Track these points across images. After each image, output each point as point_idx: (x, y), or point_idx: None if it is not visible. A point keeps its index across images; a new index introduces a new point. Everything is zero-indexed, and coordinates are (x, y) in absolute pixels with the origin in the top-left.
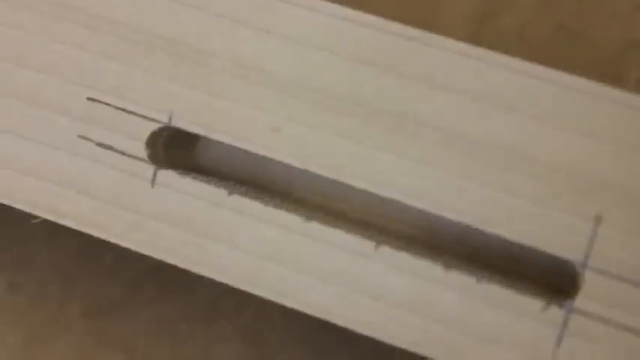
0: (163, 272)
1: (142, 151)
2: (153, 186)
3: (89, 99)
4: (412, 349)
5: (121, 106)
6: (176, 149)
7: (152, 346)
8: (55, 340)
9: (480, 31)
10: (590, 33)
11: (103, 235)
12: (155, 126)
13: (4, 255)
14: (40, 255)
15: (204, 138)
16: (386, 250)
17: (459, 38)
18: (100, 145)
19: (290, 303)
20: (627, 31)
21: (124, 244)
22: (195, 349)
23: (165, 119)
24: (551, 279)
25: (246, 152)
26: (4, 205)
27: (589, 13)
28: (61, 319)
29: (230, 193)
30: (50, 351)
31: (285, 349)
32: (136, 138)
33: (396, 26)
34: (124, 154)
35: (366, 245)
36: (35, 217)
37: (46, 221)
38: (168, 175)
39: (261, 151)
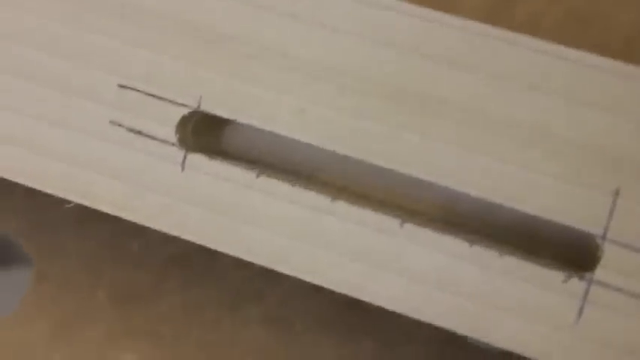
0: (189, 260)
1: (171, 136)
2: (183, 169)
3: (120, 86)
4: (437, 322)
5: (150, 92)
6: (205, 134)
7: (179, 333)
8: (82, 327)
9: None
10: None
11: (134, 219)
12: (185, 110)
13: (32, 243)
14: (67, 243)
15: (233, 123)
16: (411, 228)
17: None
18: (130, 130)
19: (317, 280)
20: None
21: (156, 226)
22: (222, 335)
23: (194, 104)
24: (572, 252)
25: (273, 135)
26: (30, 193)
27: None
28: (89, 306)
29: (258, 175)
30: (78, 338)
31: (310, 333)
32: (165, 123)
33: (418, 9)
34: (154, 138)
35: (391, 223)
36: (68, 201)
37: (73, 209)
38: (197, 159)
39: (287, 134)
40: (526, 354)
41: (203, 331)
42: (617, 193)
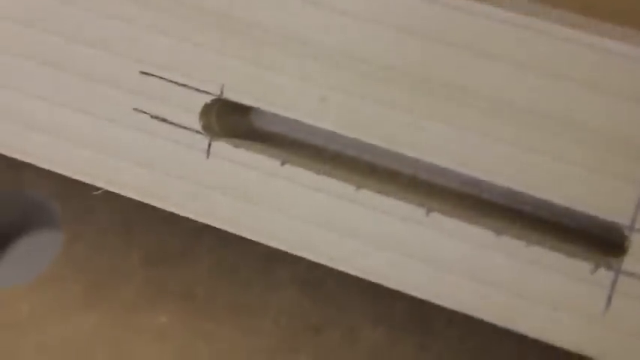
0: None
1: (195, 123)
2: (208, 157)
3: (142, 73)
4: (464, 310)
5: (173, 79)
6: (229, 119)
7: (211, 294)
8: (116, 288)
9: None
10: None
11: (161, 205)
12: (207, 98)
13: (65, 205)
14: (100, 206)
15: (256, 109)
16: (437, 217)
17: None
18: (154, 117)
19: (343, 267)
20: None
21: (182, 212)
22: (254, 296)
23: (217, 91)
24: (600, 242)
25: (296, 121)
26: None
27: None
28: (122, 268)
29: (283, 163)
30: (111, 299)
31: (342, 295)
32: (189, 110)
33: None
34: (178, 125)
35: (417, 211)
36: (97, 188)
37: None
38: (222, 146)
39: (309, 121)
40: (554, 343)
41: (235, 292)
42: None
